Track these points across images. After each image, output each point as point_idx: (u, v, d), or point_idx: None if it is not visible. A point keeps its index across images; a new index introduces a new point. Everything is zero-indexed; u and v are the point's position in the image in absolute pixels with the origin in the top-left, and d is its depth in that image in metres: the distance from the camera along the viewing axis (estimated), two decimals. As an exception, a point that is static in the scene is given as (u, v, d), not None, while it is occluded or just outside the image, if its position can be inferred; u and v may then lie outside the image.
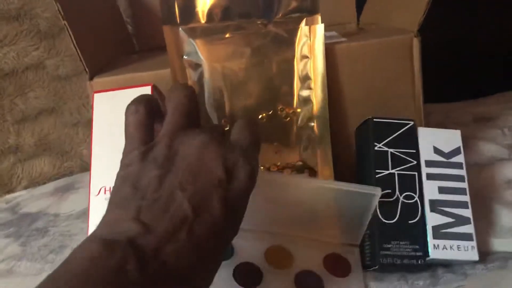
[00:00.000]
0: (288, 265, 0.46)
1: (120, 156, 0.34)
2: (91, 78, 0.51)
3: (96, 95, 0.46)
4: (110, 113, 0.45)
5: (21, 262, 0.54)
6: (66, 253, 0.54)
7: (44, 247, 0.55)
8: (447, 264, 0.46)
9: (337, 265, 0.46)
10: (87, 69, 0.50)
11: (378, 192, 0.43)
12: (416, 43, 0.50)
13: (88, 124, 0.77)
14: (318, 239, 0.47)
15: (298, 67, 0.49)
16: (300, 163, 0.50)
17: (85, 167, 0.77)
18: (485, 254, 0.47)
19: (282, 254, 0.47)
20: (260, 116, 0.49)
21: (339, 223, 0.47)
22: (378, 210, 0.45)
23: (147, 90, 0.45)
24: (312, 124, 0.50)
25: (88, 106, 0.77)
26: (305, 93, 0.49)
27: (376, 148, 0.47)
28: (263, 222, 0.46)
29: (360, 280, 0.46)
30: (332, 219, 0.46)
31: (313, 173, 0.50)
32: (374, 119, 0.48)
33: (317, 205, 0.45)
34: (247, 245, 0.46)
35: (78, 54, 0.49)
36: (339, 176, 0.50)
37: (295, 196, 0.44)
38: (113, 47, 0.65)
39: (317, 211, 0.45)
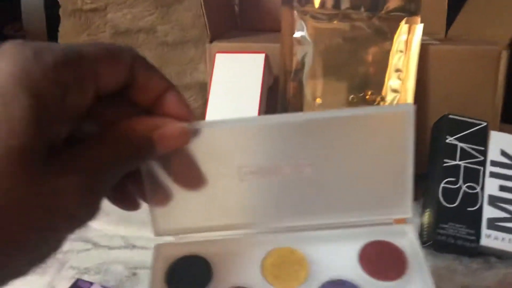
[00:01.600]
0: (302, 276, 0.36)
1: (234, 112, 0.41)
2: (211, 41, 0.62)
3: (217, 55, 0.57)
4: (228, 72, 0.56)
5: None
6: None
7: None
8: (499, 256, 0.53)
9: (382, 260, 0.36)
10: (209, 32, 0.61)
11: (410, 107, 0.32)
12: (504, 55, 0.57)
13: (184, 89, 0.88)
14: (345, 223, 0.37)
15: (393, 59, 0.58)
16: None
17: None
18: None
19: (290, 261, 0.37)
20: (350, 97, 0.58)
21: (369, 187, 0.36)
22: (440, 194, 0.53)
23: (261, 57, 0.55)
24: (397, 112, 0.58)
25: (186, 73, 0.88)
26: (394, 83, 0.58)
27: (447, 141, 0.55)
28: (251, 215, 0.37)
29: (426, 279, 0.34)
30: (361, 180, 0.35)
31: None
32: (450, 116, 0.56)
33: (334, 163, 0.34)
34: (232, 259, 0.37)
35: (204, 18, 0.60)
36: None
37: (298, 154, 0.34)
38: (225, 21, 0.76)
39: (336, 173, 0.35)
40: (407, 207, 0.36)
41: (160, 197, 0.34)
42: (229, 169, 0.34)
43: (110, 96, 0.28)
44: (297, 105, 0.59)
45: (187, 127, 0.29)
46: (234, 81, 0.56)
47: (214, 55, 0.57)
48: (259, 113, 0.53)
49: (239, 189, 0.34)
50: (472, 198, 0.53)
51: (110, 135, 0.27)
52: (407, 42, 0.57)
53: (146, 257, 0.56)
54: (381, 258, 0.36)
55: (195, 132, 0.31)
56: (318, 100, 0.59)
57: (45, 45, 0.24)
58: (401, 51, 0.57)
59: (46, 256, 0.26)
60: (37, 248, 0.25)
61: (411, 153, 0.33)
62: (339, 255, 0.37)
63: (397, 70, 0.58)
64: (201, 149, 0.32)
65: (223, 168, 0.34)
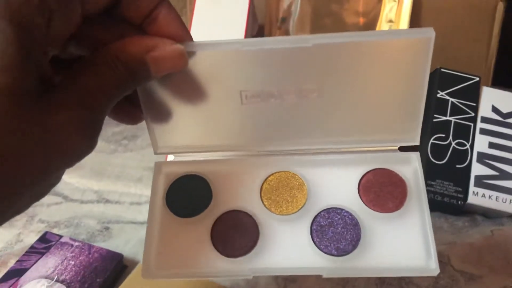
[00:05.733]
0: (300, 202, 0.36)
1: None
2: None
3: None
4: (209, 17, 0.53)
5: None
6: (138, 142, 0.63)
7: (118, 133, 0.65)
8: (486, 214, 0.53)
9: (382, 190, 0.35)
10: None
11: (431, 33, 0.30)
12: (500, 7, 0.56)
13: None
14: (349, 149, 0.36)
15: (385, 9, 0.56)
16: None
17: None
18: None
19: (289, 186, 0.36)
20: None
21: (377, 113, 0.34)
22: (429, 150, 0.52)
23: (245, 2, 0.53)
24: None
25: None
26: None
27: (438, 95, 0.54)
28: (252, 137, 0.36)
29: (423, 212, 0.34)
30: (367, 107, 0.34)
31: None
32: (442, 69, 0.54)
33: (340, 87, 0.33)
34: (231, 180, 0.37)
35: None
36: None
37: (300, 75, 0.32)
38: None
39: (342, 99, 0.33)
40: (415, 135, 0.35)
41: (158, 114, 0.33)
42: (230, 92, 0.33)
43: (98, 14, 0.26)
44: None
45: (184, 49, 0.28)
46: (215, 28, 0.53)
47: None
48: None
49: (240, 112, 0.34)
50: (461, 155, 0.52)
51: (102, 60, 0.26)
52: (400, -10, 0.56)
53: (119, 212, 0.55)
54: (382, 188, 0.36)
55: (192, 54, 0.29)
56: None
57: None
58: (394, 1, 0.56)
59: (47, 191, 0.26)
60: (37, 187, 0.24)
61: (425, 81, 0.32)
62: (340, 182, 0.36)
63: (389, 21, 0.56)
64: (200, 70, 0.31)
65: (223, 91, 0.33)
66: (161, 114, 0.33)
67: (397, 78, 0.32)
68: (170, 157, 0.38)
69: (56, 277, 0.45)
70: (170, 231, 0.35)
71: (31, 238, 0.51)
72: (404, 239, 0.34)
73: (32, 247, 0.48)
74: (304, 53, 0.30)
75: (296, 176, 0.36)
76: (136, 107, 0.32)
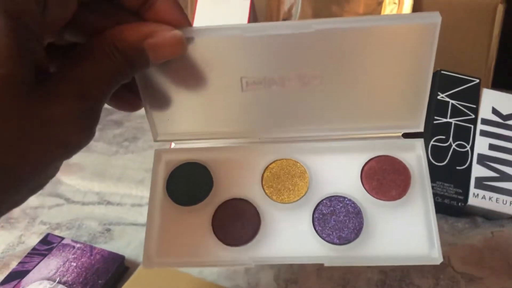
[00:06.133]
0: (301, 190, 0.35)
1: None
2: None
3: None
4: (210, 17, 0.54)
5: (98, 143, 0.64)
6: (139, 143, 0.64)
7: (119, 135, 0.65)
8: (486, 215, 0.53)
9: (385, 177, 0.35)
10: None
11: (437, 18, 0.30)
12: (500, 9, 0.56)
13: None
14: (352, 135, 0.36)
15: (385, 11, 0.56)
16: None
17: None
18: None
19: (291, 174, 0.36)
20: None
21: (381, 99, 0.34)
22: (429, 151, 0.52)
23: (246, 3, 0.53)
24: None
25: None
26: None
27: (438, 98, 0.54)
28: (253, 124, 0.36)
29: (427, 200, 0.34)
30: (371, 91, 0.33)
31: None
32: (442, 71, 0.55)
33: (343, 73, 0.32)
34: (233, 168, 0.36)
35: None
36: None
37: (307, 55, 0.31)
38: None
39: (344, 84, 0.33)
40: (419, 121, 0.34)
41: (157, 101, 0.33)
42: (230, 78, 0.32)
43: (94, 0, 0.26)
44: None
45: (182, 35, 0.27)
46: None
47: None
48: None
49: (241, 98, 0.33)
50: (462, 157, 0.53)
51: (98, 47, 0.25)
52: (400, -7, 0.56)
53: (121, 213, 0.55)
54: (384, 176, 0.35)
55: (191, 40, 0.29)
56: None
57: None
58: (394, 3, 0.56)
59: (44, 183, 0.25)
60: (35, 178, 0.24)
61: (430, 67, 0.32)
62: (342, 170, 0.36)
63: (389, 23, 0.56)
64: (199, 56, 0.30)
65: (223, 77, 0.32)
66: (160, 101, 0.33)
67: (402, 64, 0.32)
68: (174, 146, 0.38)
69: (58, 278, 0.45)
70: (170, 220, 0.35)
71: (33, 240, 0.51)
72: (407, 227, 0.34)
73: (34, 248, 0.48)
74: (307, 38, 0.30)
75: (298, 164, 0.36)
76: (135, 94, 0.32)
